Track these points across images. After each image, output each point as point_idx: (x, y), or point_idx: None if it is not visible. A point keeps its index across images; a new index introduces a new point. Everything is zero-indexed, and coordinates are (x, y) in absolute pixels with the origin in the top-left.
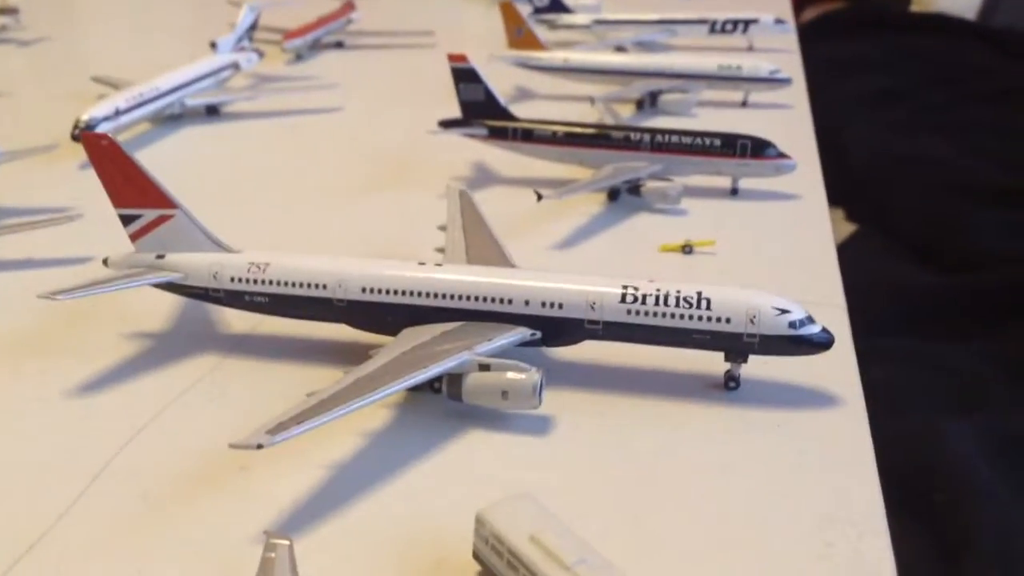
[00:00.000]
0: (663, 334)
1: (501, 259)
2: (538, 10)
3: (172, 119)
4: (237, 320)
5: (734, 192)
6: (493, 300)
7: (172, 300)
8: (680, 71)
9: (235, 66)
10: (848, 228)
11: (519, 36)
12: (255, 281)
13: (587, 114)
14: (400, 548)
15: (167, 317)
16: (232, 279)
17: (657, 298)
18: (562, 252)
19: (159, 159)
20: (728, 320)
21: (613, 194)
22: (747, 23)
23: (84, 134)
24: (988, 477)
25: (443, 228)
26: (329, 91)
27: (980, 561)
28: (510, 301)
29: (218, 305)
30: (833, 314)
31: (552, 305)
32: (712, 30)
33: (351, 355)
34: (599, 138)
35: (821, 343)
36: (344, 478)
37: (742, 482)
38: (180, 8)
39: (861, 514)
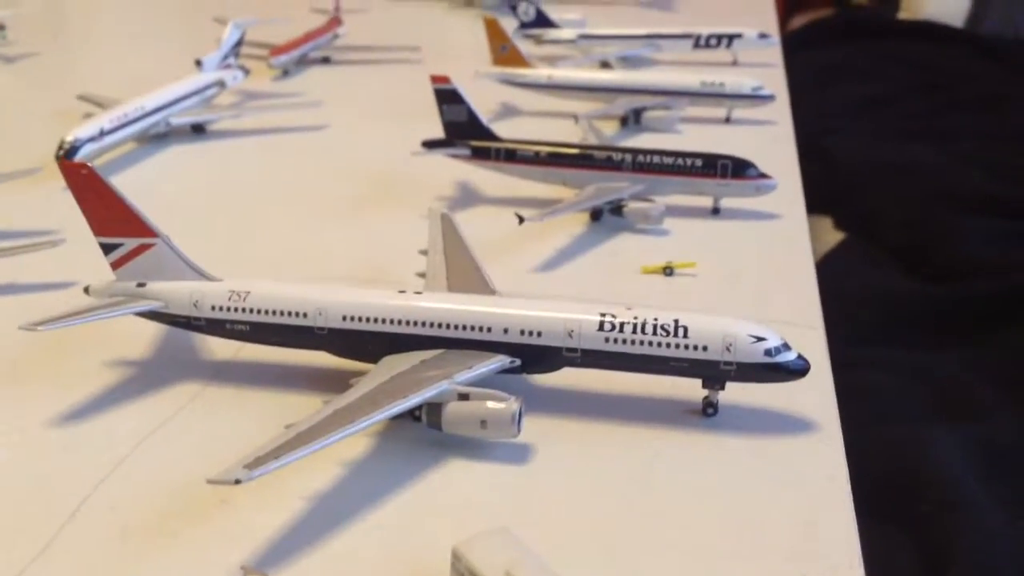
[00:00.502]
0: (641, 362)
1: (482, 285)
2: (524, 25)
3: (158, 138)
4: (218, 347)
5: (715, 211)
6: (473, 328)
7: (153, 326)
8: (663, 88)
9: (221, 84)
10: (836, 236)
11: (503, 53)
12: (235, 309)
13: (571, 131)
14: None
15: (148, 344)
16: (213, 307)
17: (635, 326)
18: (544, 275)
19: (144, 179)
20: (705, 348)
21: (596, 214)
22: (731, 38)
23: (63, 164)
24: (973, 487)
25: (424, 253)
26: (315, 108)
27: (964, 573)
28: (489, 329)
29: (199, 333)
30: (811, 337)
31: (531, 333)
32: (696, 45)
33: (332, 381)
34: (582, 158)
35: (797, 370)
36: (323, 509)
37: (719, 512)
38: (166, 24)
39: (835, 545)
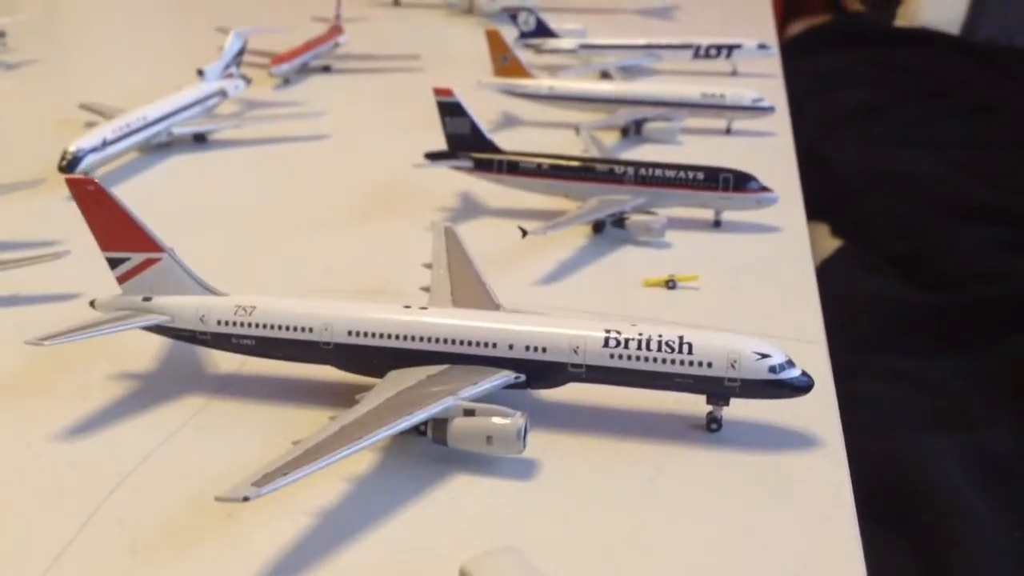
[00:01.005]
0: (645, 378)
1: (486, 299)
2: (524, 35)
3: (160, 147)
4: (223, 360)
5: (717, 224)
6: (478, 344)
7: (157, 340)
8: (664, 99)
9: (222, 93)
10: (833, 243)
11: (504, 64)
12: (242, 324)
13: (572, 141)
14: None
15: (154, 357)
16: (219, 322)
17: (639, 342)
18: (547, 287)
19: (146, 188)
20: (710, 365)
21: (598, 226)
22: (731, 48)
23: (70, 179)
24: (971, 496)
25: (428, 266)
26: (316, 118)
27: None
28: (494, 345)
29: (205, 347)
30: (814, 352)
31: (536, 349)
32: (696, 55)
33: (338, 395)
34: (584, 171)
35: (801, 387)
36: (328, 525)
37: (724, 528)
38: (167, 32)
39: (839, 562)
